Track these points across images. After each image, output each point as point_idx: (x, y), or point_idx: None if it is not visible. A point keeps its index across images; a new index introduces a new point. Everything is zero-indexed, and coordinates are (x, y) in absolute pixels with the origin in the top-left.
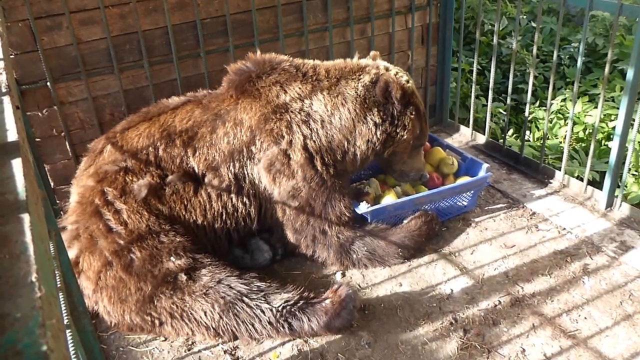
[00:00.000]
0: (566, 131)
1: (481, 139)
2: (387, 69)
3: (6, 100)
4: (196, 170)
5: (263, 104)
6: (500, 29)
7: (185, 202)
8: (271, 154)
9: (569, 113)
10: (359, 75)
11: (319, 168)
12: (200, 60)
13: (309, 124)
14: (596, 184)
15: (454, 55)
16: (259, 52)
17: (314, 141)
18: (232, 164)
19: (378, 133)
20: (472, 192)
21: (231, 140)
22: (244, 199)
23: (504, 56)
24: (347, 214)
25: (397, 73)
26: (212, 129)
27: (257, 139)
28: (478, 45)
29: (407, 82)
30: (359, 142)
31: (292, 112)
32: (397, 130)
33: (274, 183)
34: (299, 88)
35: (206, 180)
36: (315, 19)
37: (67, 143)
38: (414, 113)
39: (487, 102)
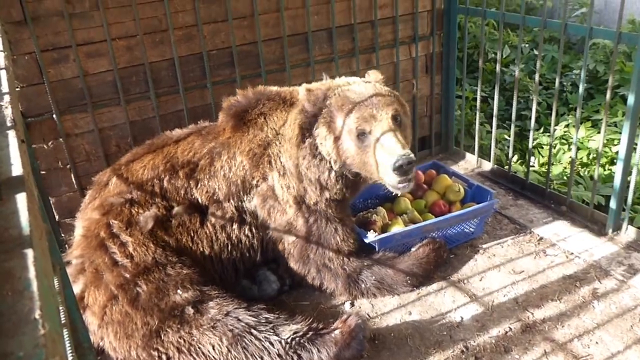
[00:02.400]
0: (570, 156)
1: (487, 165)
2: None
3: (11, 134)
4: (200, 202)
5: (250, 138)
6: (503, 57)
7: (192, 234)
8: (262, 190)
9: (572, 138)
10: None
11: (306, 201)
12: (206, 91)
13: (281, 157)
14: (602, 207)
15: (458, 84)
16: (261, 85)
17: (285, 176)
18: (231, 196)
19: (309, 147)
20: (479, 218)
21: (227, 173)
22: (247, 231)
23: (507, 84)
24: (350, 243)
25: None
26: (211, 161)
27: (249, 175)
28: (481, 74)
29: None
30: (319, 164)
31: (271, 145)
32: (320, 142)
33: (269, 218)
34: (277, 117)
35: (210, 211)
36: (321, 49)
37: (72, 175)
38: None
39: (491, 129)
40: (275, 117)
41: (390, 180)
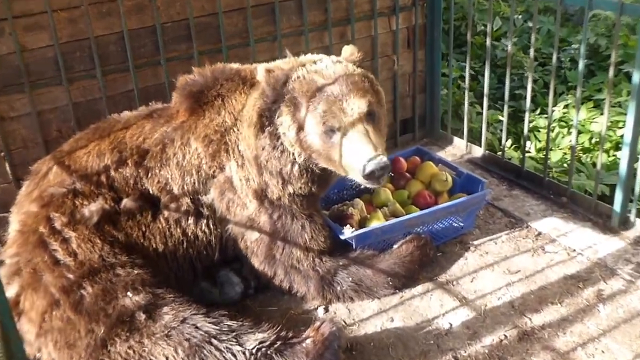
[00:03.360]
0: (570, 141)
1: (477, 151)
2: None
3: None
4: (151, 193)
5: (206, 123)
6: (494, 29)
7: (143, 229)
8: (219, 182)
9: (572, 121)
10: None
11: (269, 195)
12: (160, 68)
13: (239, 146)
14: (607, 198)
15: (444, 60)
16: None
17: (244, 166)
18: (185, 187)
19: (268, 136)
20: (469, 211)
21: (180, 161)
22: (204, 226)
23: (499, 59)
24: (320, 242)
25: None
26: (163, 147)
27: (205, 164)
28: (470, 48)
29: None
30: (280, 156)
31: (229, 131)
32: (282, 131)
33: (228, 212)
34: (236, 100)
35: (163, 204)
36: (289, 21)
37: (7, 164)
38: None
39: (482, 110)
40: (233, 99)
41: (361, 180)
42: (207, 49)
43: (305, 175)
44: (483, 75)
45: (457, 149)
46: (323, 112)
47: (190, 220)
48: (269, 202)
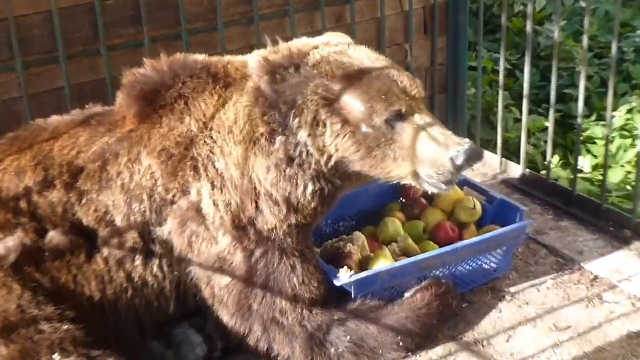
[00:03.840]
0: (636, 156)
1: (515, 169)
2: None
3: None
4: (86, 225)
5: (164, 134)
6: (536, 11)
7: (76, 271)
8: (181, 209)
9: (638, 130)
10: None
11: (258, 225)
12: (99, 60)
13: (214, 162)
14: None
15: (472, 50)
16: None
17: (223, 189)
18: (132, 217)
19: (281, 150)
20: (504, 249)
21: (127, 183)
22: (156, 268)
23: (543, 49)
24: (313, 288)
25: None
26: (103, 165)
27: (161, 186)
28: (505, 35)
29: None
30: (296, 175)
31: (197, 143)
32: (308, 136)
33: (191, 250)
34: (205, 103)
35: (101, 239)
36: (269, 0)
37: None
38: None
39: (521, 115)
40: (202, 102)
41: (423, 185)
42: (162, 35)
43: (319, 196)
44: (522, 70)
45: (489, 167)
46: (384, 95)
47: (138, 261)
48: (255, 235)
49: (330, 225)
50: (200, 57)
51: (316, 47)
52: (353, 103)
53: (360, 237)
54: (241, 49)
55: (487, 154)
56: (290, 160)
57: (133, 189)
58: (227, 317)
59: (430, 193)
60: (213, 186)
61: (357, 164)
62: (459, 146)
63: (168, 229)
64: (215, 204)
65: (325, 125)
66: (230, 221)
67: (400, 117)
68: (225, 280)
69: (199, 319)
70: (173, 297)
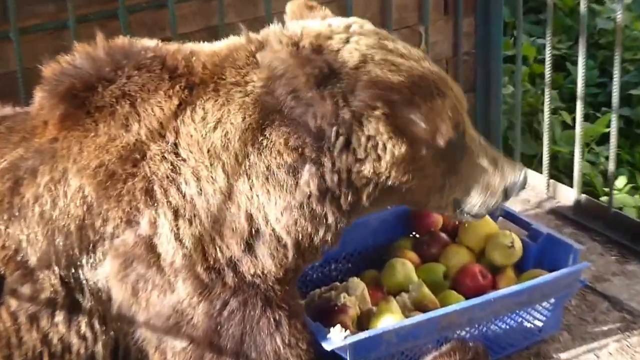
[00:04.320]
0: None
1: (566, 194)
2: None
3: None
4: None
5: (102, 144)
6: None
7: None
8: (125, 245)
9: None
10: (249, 65)
11: (223, 269)
12: (9, 45)
13: (180, 185)
14: None
15: (508, 34)
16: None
17: (193, 220)
18: (53, 256)
19: (302, 180)
20: (552, 301)
21: (48, 210)
22: (82, 327)
23: (602, 35)
24: (301, 352)
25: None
26: (15, 185)
27: (97, 215)
28: (552, 15)
29: (346, 41)
30: (272, 214)
31: (152, 160)
32: (359, 156)
33: (135, 301)
34: (162, 108)
35: (7, 286)
36: None
37: None
38: (380, 108)
39: (573, 122)
40: (156, 106)
41: (473, 211)
42: (92, 13)
43: (339, 234)
44: (574, 62)
45: (532, 191)
46: (450, 110)
47: (58, 317)
48: (234, 279)
49: (317, 268)
50: (151, 43)
51: (343, 39)
52: (415, 119)
53: (358, 284)
54: (198, 31)
55: (529, 173)
56: (321, 196)
57: (56, 219)
58: None
59: (461, 223)
60: (176, 215)
61: (401, 193)
62: (514, 175)
63: (104, 273)
64: (177, 239)
65: (384, 148)
66: (200, 261)
67: (460, 137)
68: (181, 342)
69: None
70: None
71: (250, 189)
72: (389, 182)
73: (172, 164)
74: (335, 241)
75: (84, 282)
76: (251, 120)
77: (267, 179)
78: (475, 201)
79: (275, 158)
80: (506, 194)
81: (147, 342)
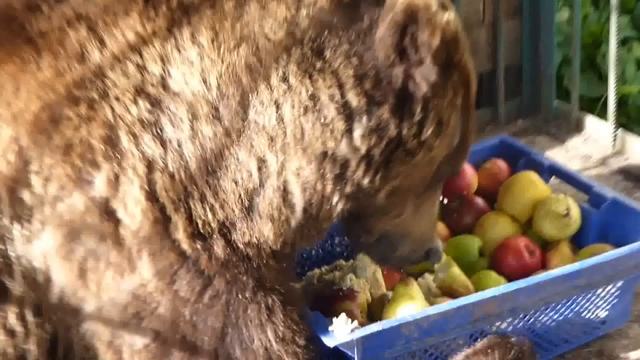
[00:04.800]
0: None
1: (638, 148)
2: None
3: None
4: None
5: (45, 81)
6: None
7: None
8: (71, 212)
9: None
10: None
11: (212, 236)
12: None
13: (162, 127)
14: None
15: None
16: None
17: (175, 172)
18: None
19: (357, 133)
20: (619, 285)
21: None
22: (10, 319)
23: None
24: (298, 349)
25: None
26: None
27: (34, 172)
28: None
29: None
30: (294, 161)
31: (116, 99)
32: (422, 137)
33: (83, 284)
34: (135, 28)
35: None
36: None
37: None
38: (458, 91)
39: None
40: (126, 27)
41: None
42: None
43: (318, 212)
44: None
45: (594, 143)
46: (459, 139)
47: None
48: (224, 251)
49: (318, 243)
50: None
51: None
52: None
53: (368, 263)
54: None
55: (589, 121)
56: (363, 160)
57: None
58: None
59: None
60: (151, 168)
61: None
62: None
63: (42, 249)
64: (150, 199)
65: (442, 136)
66: (181, 226)
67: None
68: (143, 338)
69: None
70: None
71: (278, 123)
72: (406, 181)
73: (152, 102)
74: (325, 230)
75: (14, 260)
76: (303, 35)
77: (306, 111)
78: (405, 245)
79: (331, 89)
80: (428, 256)
81: (97, 339)
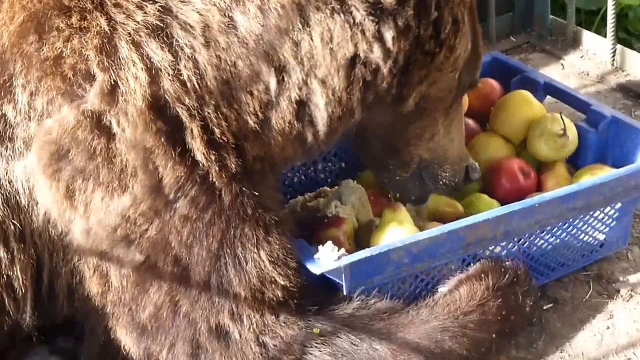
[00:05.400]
0: None
1: (639, 64)
2: None
3: None
4: None
5: None
6: None
7: None
8: (60, 127)
9: None
10: None
11: (220, 146)
12: None
13: (172, 33)
14: None
15: None
16: None
17: (188, 79)
18: None
19: (389, 34)
20: (618, 206)
21: None
22: None
23: None
24: (290, 273)
25: None
26: None
27: (20, 85)
28: None
29: None
30: (322, 68)
31: (116, 6)
32: (441, 36)
33: (70, 205)
34: None
35: None
36: None
37: None
38: None
39: None
40: None
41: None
42: None
43: (332, 119)
44: None
45: (592, 59)
46: (471, 46)
47: None
48: (237, 164)
49: (299, 168)
50: None
51: None
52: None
53: (354, 188)
54: None
55: (587, 36)
56: (395, 66)
57: None
58: (124, 328)
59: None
60: (155, 77)
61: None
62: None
63: (25, 168)
64: (154, 107)
65: (460, 41)
66: (198, 136)
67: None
68: (130, 262)
69: (67, 340)
70: (28, 298)
71: (303, 27)
72: (432, 90)
73: (161, 8)
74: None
75: None
76: None
77: (333, 12)
78: (445, 170)
79: None
80: (467, 174)
81: (83, 263)
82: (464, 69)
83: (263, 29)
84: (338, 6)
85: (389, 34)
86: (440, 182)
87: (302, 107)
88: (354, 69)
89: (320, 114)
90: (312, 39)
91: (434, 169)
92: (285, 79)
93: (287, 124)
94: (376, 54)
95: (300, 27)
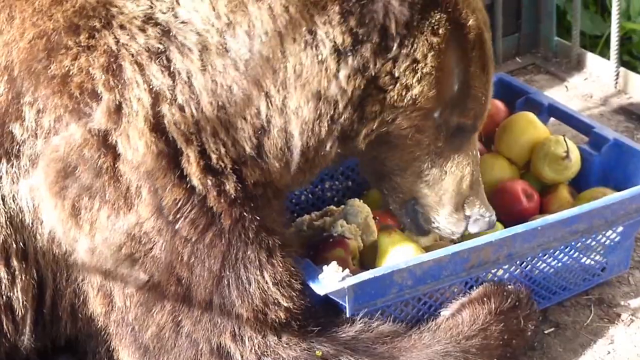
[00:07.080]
0: None
1: None
2: None
3: None
4: None
5: (42, 9)
6: None
7: None
8: (67, 145)
9: None
10: None
11: (218, 170)
12: None
13: (170, 57)
14: None
15: None
16: None
17: (185, 104)
18: None
19: (343, 73)
20: (619, 230)
21: None
22: None
23: None
24: (294, 295)
25: None
26: None
27: (27, 103)
28: None
29: None
30: (294, 100)
31: (121, 28)
32: (395, 74)
33: (75, 224)
34: None
35: None
36: None
37: None
38: (447, 26)
39: None
40: None
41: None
42: None
43: (310, 148)
44: None
45: (596, 82)
46: (466, 85)
47: None
48: (236, 188)
49: (308, 187)
50: None
51: None
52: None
53: (360, 208)
54: None
55: (591, 58)
56: (351, 100)
57: None
58: (127, 351)
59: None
60: (157, 100)
61: (386, 150)
62: (487, 209)
63: (31, 186)
64: (156, 130)
65: (418, 80)
66: (194, 159)
67: (471, 128)
68: (134, 281)
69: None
70: (28, 320)
71: (282, 56)
72: (392, 127)
73: (161, 31)
74: (316, 175)
75: None
76: None
77: (306, 46)
78: (439, 214)
79: (326, 25)
80: (467, 227)
81: (88, 282)
82: (448, 112)
83: (250, 55)
84: (310, 40)
85: (343, 73)
86: (434, 227)
87: (285, 136)
88: (319, 103)
89: (295, 142)
90: (286, 70)
91: (425, 211)
92: (270, 105)
93: (280, 151)
94: (333, 91)
95: (280, 56)
